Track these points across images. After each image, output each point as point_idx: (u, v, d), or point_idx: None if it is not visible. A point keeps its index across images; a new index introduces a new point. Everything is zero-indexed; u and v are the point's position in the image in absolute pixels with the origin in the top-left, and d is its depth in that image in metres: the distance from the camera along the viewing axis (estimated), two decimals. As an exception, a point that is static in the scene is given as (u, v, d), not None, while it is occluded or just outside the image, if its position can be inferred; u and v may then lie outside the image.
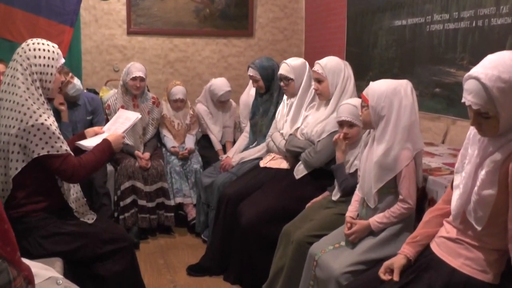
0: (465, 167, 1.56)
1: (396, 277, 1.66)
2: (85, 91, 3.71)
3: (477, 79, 1.40)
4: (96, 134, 2.45)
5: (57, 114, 3.24)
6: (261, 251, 2.64)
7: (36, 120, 1.98)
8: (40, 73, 2.06)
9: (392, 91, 2.00)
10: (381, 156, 1.98)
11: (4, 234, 1.28)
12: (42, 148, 1.99)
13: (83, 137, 2.45)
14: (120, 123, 2.56)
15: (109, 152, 2.29)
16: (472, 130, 1.57)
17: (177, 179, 3.68)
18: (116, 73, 4.72)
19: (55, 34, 3.91)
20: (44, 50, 2.08)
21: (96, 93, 4.24)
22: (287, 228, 2.44)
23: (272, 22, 5.20)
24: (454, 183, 1.62)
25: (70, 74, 3.35)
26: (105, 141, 2.30)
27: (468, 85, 1.43)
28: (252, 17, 5.10)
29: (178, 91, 3.83)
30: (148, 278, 2.86)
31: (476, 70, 1.42)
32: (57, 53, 2.13)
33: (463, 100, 1.46)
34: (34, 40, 2.09)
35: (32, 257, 1.95)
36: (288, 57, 3.22)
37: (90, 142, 2.35)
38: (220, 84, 3.89)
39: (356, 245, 2.04)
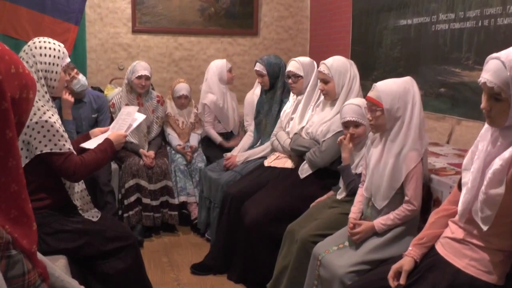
0: (474, 162, 1.56)
1: (402, 281, 1.66)
2: (89, 89, 3.71)
3: (498, 58, 1.43)
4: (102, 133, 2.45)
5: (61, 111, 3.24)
6: (265, 250, 2.64)
7: (40, 117, 1.99)
8: (46, 71, 2.08)
9: (403, 90, 2.00)
10: (395, 159, 1.97)
11: (22, 225, 1.25)
12: (45, 146, 2.00)
13: (88, 138, 2.46)
14: (123, 120, 2.57)
15: (111, 151, 2.30)
16: (484, 126, 1.58)
17: (181, 177, 3.68)
18: (121, 71, 4.73)
19: (60, 32, 3.92)
20: (50, 48, 2.10)
21: (101, 91, 4.24)
22: (292, 227, 2.43)
23: (277, 21, 5.20)
24: (463, 180, 1.61)
25: (75, 70, 3.35)
26: (107, 140, 2.31)
27: (488, 65, 1.46)
28: (257, 16, 5.09)
29: (182, 87, 3.85)
30: (152, 276, 2.86)
31: (499, 52, 1.45)
32: (63, 52, 2.15)
33: (479, 79, 1.49)
34: (41, 38, 2.11)
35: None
36: (293, 56, 3.22)
37: (93, 143, 2.35)
38: (217, 61, 3.99)
39: (360, 245, 2.04)
